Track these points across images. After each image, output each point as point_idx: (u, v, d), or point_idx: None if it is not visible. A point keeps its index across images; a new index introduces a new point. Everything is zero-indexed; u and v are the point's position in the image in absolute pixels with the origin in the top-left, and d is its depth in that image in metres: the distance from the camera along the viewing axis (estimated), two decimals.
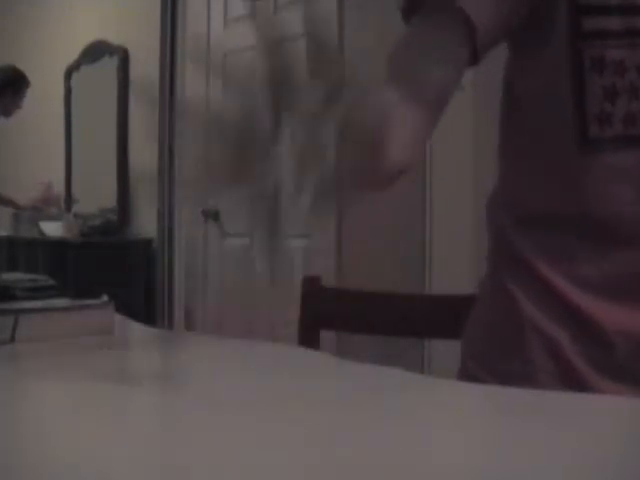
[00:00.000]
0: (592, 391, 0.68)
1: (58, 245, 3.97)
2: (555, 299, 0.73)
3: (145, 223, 4.01)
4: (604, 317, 0.71)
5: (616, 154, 0.71)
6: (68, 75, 4.57)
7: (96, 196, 4.32)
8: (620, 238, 0.72)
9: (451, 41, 0.73)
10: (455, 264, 2.56)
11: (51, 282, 1.06)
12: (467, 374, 0.75)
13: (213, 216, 3.79)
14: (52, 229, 4.18)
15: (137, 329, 0.88)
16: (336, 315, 1.20)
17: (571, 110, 0.72)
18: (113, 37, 4.20)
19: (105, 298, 0.97)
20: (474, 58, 0.74)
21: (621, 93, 0.71)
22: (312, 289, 1.18)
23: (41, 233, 4.17)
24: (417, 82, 0.74)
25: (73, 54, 4.48)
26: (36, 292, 1.03)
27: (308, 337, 1.16)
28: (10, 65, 3.88)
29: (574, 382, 0.70)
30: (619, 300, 0.71)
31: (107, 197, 4.21)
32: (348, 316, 1.22)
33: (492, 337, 0.79)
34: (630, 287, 0.71)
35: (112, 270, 3.84)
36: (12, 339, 0.82)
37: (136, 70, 4.12)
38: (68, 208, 4.49)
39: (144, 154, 4.13)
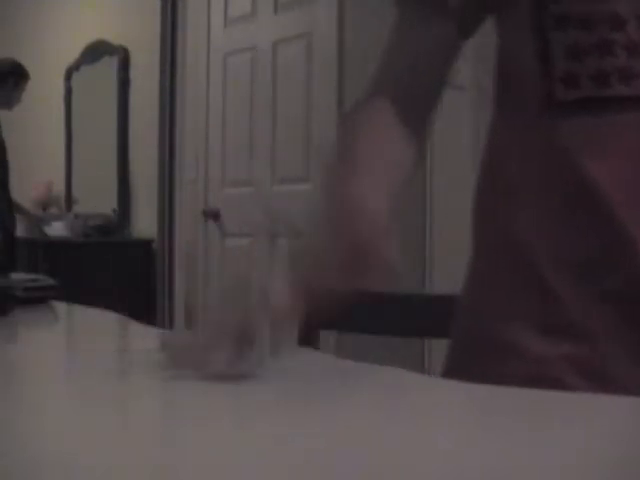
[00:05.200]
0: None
1: (58, 245, 3.97)
2: (535, 288, 0.70)
3: (145, 223, 4.01)
4: (577, 302, 0.67)
5: (586, 118, 0.67)
6: (68, 75, 4.57)
7: (96, 196, 4.32)
8: (596, 212, 0.67)
9: (435, 20, 0.74)
10: (455, 264, 2.56)
11: (51, 282, 1.06)
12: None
13: (213, 216, 3.79)
14: (52, 229, 4.18)
15: (137, 329, 0.88)
16: (336, 315, 1.20)
17: (537, 73, 0.69)
18: (113, 37, 4.20)
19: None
20: (463, 33, 0.75)
21: (589, 50, 0.66)
22: (312, 289, 1.18)
23: (41, 233, 4.17)
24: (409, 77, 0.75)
25: (73, 54, 4.48)
26: (36, 292, 1.03)
27: (307, 337, 1.16)
28: (10, 58, 3.89)
29: (546, 382, 0.67)
30: (593, 288, 0.67)
31: (107, 197, 4.21)
32: (348, 316, 1.22)
33: (465, 342, 0.77)
34: (603, 273, 0.67)
35: (112, 270, 3.84)
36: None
37: (136, 70, 4.12)
38: (68, 208, 4.49)
39: (144, 154, 4.13)
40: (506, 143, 0.75)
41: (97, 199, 4.30)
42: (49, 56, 4.61)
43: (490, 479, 0.36)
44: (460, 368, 0.75)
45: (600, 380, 0.66)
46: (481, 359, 0.73)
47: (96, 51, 4.34)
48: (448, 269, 2.61)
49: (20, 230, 4.16)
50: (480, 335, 0.74)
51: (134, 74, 4.14)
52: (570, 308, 0.68)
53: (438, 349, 2.58)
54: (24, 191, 4.23)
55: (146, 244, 3.95)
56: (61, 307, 1.04)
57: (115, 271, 3.85)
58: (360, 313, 1.21)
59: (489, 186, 0.78)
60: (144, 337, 0.85)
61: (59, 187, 4.56)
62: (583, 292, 0.68)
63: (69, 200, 4.55)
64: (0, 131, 3.78)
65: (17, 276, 1.05)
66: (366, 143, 0.73)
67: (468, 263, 0.82)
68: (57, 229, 4.16)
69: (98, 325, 0.93)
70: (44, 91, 4.39)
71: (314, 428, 0.44)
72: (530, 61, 0.70)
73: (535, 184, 0.72)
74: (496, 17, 0.75)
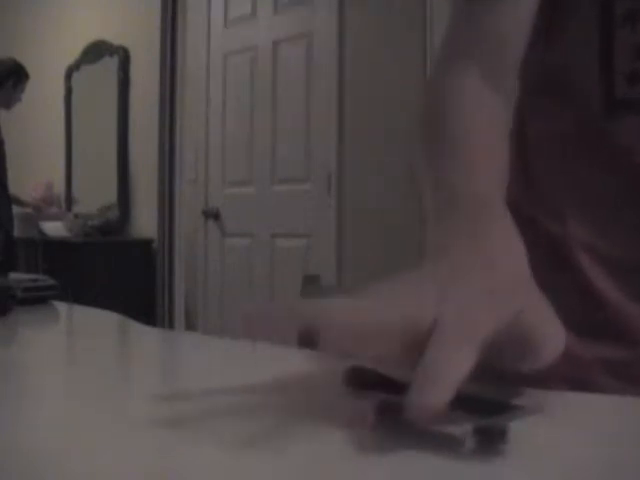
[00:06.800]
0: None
1: (58, 245, 3.98)
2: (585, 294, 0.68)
3: (145, 223, 4.01)
4: (619, 304, 0.66)
5: None
6: (68, 75, 4.58)
7: (96, 196, 4.33)
8: None
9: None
10: None
11: (51, 282, 1.06)
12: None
13: (213, 216, 3.80)
14: (52, 229, 4.18)
15: (137, 329, 0.88)
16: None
17: (597, 71, 0.66)
18: (113, 37, 4.21)
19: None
20: None
21: None
22: (312, 288, 1.18)
23: (41, 233, 4.17)
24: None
25: (73, 54, 4.48)
26: (36, 292, 1.03)
27: (307, 337, 1.16)
28: (10, 57, 3.90)
29: (581, 383, 0.65)
30: (636, 290, 0.65)
31: (107, 197, 4.22)
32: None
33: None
34: None
35: (112, 270, 3.85)
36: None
37: (136, 70, 4.13)
38: (68, 208, 4.50)
39: (144, 154, 4.13)
40: (547, 145, 0.73)
41: (97, 199, 4.31)
42: (49, 56, 4.61)
43: (490, 479, 0.36)
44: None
45: (638, 383, 0.65)
46: None
47: (96, 51, 4.35)
48: None
49: (20, 230, 4.16)
50: None
51: (134, 74, 4.14)
52: (611, 309, 0.67)
53: None
54: (24, 191, 4.23)
55: (146, 244, 3.96)
56: (61, 307, 1.04)
57: (115, 271, 3.86)
58: None
59: (526, 188, 0.76)
60: (144, 337, 0.85)
61: (59, 187, 4.57)
62: (626, 294, 0.66)
63: (69, 200, 4.56)
64: (1, 131, 3.78)
65: (17, 276, 1.05)
66: (476, 137, 0.64)
67: None
68: (57, 229, 4.17)
69: (98, 325, 0.93)
70: (44, 91, 4.40)
71: (314, 428, 0.44)
72: (589, 58, 0.67)
73: (582, 183, 0.69)
74: (553, 20, 0.71)
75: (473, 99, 0.67)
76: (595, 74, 0.67)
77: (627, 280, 0.67)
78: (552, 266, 0.71)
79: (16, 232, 4.20)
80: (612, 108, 0.67)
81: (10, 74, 3.82)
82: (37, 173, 4.56)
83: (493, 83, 0.68)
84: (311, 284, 1.19)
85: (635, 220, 0.66)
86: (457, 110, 0.66)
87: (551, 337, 0.44)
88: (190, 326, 3.87)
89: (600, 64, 0.67)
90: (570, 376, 0.66)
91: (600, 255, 0.68)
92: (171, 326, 3.75)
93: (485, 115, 0.66)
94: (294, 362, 0.65)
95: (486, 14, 0.70)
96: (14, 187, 3.95)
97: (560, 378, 0.65)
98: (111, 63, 4.24)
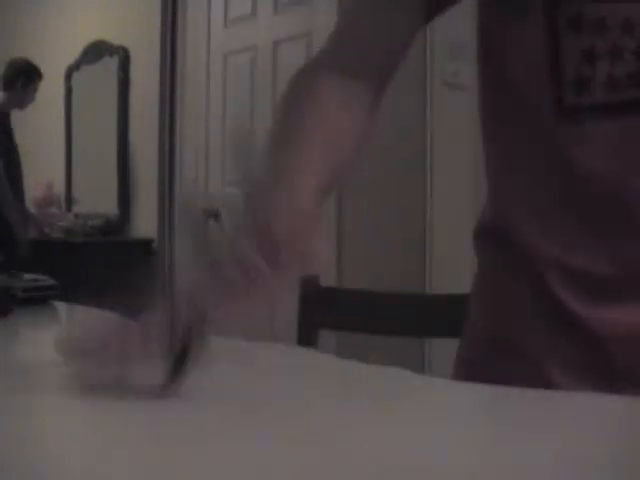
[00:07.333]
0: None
1: (58, 245, 3.97)
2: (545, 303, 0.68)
3: (145, 223, 4.01)
4: (597, 320, 0.65)
5: (598, 125, 0.63)
6: (68, 75, 4.57)
7: (96, 196, 4.33)
8: (619, 224, 0.64)
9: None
10: (455, 264, 2.56)
11: (51, 282, 1.06)
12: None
13: (213, 216, 3.80)
14: (52, 229, 4.18)
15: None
16: (336, 315, 1.20)
17: (546, 77, 0.65)
18: (113, 37, 4.20)
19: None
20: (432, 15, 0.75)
21: (602, 55, 0.62)
22: (311, 289, 1.18)
23: (41, 233, 4.17)
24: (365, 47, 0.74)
25: (73, 54, 4.48)
26: (36, 292, 1.03)
27: (307, 337, 1.16)
28: (23, 57, 3.92)
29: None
30: (614, 301, 0.64)
31: (108, 197, 4.21)
32: (348, 316, 1.22)
33: (478, 346, 0.76)
34: (628, 287, 0.63)
35: (112, 270, 3.84)
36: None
37: (136, 70, 4.13)
38: (68, 208, 4.49)
39: (144, 154, 4.13)
40: (507, 153, 0.72)
41: (97, 199, 4.30)
42: (49, 56, 4.61)
43: (488, 479, 0.36)
44: (473, 375, 0.73)
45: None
46: (498, 368, 0.71)
47: (96, 51, 4.34)
48: (448, 269, 2.61)
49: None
50: (494, 343, 0.73)
51: (134, 74, 4.14)
52: (577, 322, 0.66)
53: (438, 349, 2.58)
54: (24, 191, 4.23)
55: (146, 244, 3.95)
56: (61, 307, 1.04)
57: (115, 271, 3.85)
58: (360, 313, 1.21)
59: (494, 198, 0.76)
60: None
61: (59, 187, 4.57)
62: (594, 307, 0.65)
63: (69, 200, 4.55)
64: (14, 135, 3.80)
65: (17, 276, 1.05)
66: (311, 115, 0.73)
67: (474, 278, 0.80)
68: (57, 229, 4.17)
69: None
70: (44, 91, 4.39)
71: (314, 428, 0.44)
72: (538, 64, 0.66)
73: (546, 195, 0.68)
74: (508, 21, 0.70)
75: (324, 98, 0.73)
76: (543, 80, 0.66)
77: (592, 294, 0.65)
78: (528, 286, 0.70)
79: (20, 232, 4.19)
80: (562, 118, 0.65)
81: (19, 75, 3.83)
82: (37, 173, 4.56)
83: (350, 84, 0.73)
84: (309, 285, 1.18)
85: (604, 235, 0.65)
86: (304, 105, 0.74)
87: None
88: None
89: (548, 70, 0.65)
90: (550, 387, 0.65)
91: (571, 274, 0.66)
92: None
93: (328, 114, 0.73)
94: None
95: (361, 20, 0.75)
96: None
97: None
98: (111, 63, 4.23)
